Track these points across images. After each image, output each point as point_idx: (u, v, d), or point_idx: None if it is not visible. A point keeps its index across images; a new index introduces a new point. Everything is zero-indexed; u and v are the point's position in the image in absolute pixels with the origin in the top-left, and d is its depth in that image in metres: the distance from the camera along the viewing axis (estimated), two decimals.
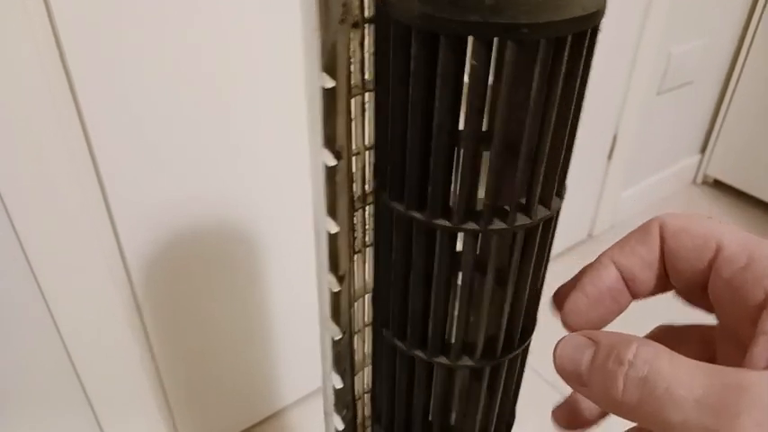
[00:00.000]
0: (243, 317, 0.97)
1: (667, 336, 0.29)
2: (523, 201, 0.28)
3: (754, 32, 1.57)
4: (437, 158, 0.27)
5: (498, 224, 0.28)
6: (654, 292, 0.27)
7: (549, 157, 0.27)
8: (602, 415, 0.30)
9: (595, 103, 1.33)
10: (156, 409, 0.92)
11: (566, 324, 0.27)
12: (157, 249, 0.81)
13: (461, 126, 0.27)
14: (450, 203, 0.29)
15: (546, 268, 0.33)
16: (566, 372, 0.23)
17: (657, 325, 0.30)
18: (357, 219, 0.41)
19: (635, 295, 0.27)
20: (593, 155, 1.44)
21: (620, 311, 0.27)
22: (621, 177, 1.54)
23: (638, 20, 1.28)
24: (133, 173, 0.74)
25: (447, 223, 0.28)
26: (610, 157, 1.47)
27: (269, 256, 0.93)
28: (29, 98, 0.62)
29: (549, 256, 0.32)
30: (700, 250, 0.24)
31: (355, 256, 0.43)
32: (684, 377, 0.19)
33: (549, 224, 0.30)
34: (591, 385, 0.22)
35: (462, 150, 0.27)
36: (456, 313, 0.33)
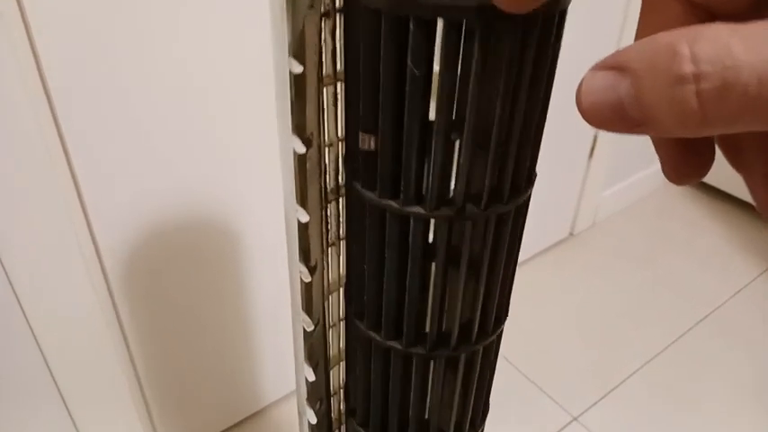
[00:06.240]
0: (222, 315, 0.96)
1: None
2: (495, 186, 0.28)
3: None
4: (409, 147, 0.27)
5: (472, 210, 0.28)
6: None
7: (519, 143, 0.27)
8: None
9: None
10: (134, 410, 0.91)
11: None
12: (133, 246, 0.80)
13: (432, 115, 0.27)
14: (423, 191, 0.28)
15: (518, 256, 0.33)
16: (603, 113, 0.16)
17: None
18: (331, 211, 0.41)
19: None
20: (575, 154, 1.45)
21: None
22: (602, 176, 1.55)
23: (619, 17, 1.29)
24: (108, 170, 0.73)
25: (421, 210, 0.28)
26: (591, 155, 1.48)
27: (248, 253, 0.93)
28: (4, 96, 0.60)
29: (520, 243, 0.32)
30: None
31: (329, 249, 0.43)
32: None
33: (522, 210, 0.30)
34: (652, 117, 0.16)
35: (434, 138, 0.27)
36: (431, 302, 0.33)
